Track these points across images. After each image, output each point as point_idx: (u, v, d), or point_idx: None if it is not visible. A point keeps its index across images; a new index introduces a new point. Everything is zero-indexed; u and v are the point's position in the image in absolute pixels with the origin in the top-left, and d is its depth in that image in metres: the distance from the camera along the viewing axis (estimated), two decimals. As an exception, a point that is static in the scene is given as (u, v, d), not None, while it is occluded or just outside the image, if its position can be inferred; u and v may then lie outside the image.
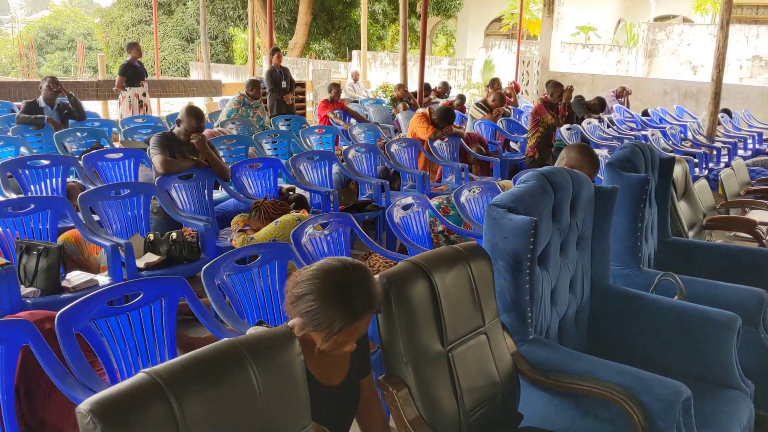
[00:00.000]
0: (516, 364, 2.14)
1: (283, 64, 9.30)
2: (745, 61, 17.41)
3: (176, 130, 4.56)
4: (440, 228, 4.36)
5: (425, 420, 1.80)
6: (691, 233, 4.17)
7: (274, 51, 9.19)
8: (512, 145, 8.62)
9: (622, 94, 11.56)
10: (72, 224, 3.73)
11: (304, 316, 1.63)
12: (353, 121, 8.82)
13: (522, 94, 13.09)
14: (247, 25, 18.00)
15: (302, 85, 12.08)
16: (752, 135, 9.68)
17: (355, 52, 21.51)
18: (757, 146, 9.45)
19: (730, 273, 3.32)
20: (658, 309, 2.66)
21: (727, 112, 10.20)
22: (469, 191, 4.37)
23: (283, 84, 8.92)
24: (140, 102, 9.11)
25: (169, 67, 26.70)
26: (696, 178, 5.21)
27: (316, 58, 23.56)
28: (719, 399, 2.38)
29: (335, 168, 5.63)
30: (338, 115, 8.85)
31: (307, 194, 5.06)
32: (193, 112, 4.53)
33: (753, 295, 2.86)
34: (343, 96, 13.28)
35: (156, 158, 4.38)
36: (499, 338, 2.11)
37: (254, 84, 7.76)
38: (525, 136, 7.90)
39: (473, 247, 2.13)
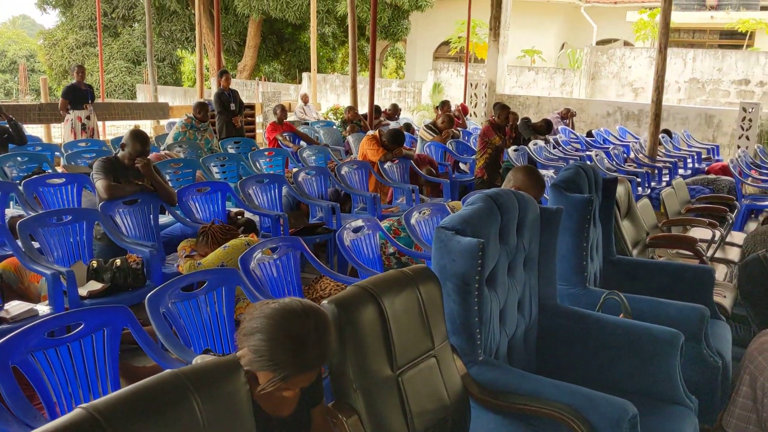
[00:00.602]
0: (466, 386, 2.14)
1: (232, 86, 9.23)
2: (683, 84, 18.05)
3: (120, 154, 4.47)
4: (391, 250, 4.37)
5: (375, 447, 1.78)
6: (635, 251, 4.27)
7: (223, 73, 9.12)
8: (462, 166, 8.71)
9: (566, 115, 11.84)
10: (11, 252, 3.61)
11: (252, 353, 1.58)
12: (303, 143, 8.80)
13: (470, 116, 13.27)
14: (195, 47, 17.86)
15: (251, 107, 12.01)
16: (691, 154, 10.01)
17: (305, 75, 21.55)
18: (696, 165, 9.77)
19: (672, 290, 3.41)
20: (604, 327, 2.70)
21: (667, 132, 10.53)
22: (419, 213, 4.39)
23: (232, 106, 8.85)
24: (83, 125, 8.91)
25: (115, 90, 26.26)
26: (639, 198, 5.35)
27: (265, 80, 23.49)
28: (665, 415, 2.42)
29: (285, 191, 5.59)
30: (288, 138, 8.81)
31: (256, 218, 5.01)
32: (137, 136, 4.45)
33: (695, 311, 2.94)
34: (293, 118, 13.29)
35: (99, 183, 4.28)
36: (448, 361, 2.11)
37: (202, 106, 7.68)
38: (474, 157, 8.00)
39: (422, 270, 2.13)
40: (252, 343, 1.58)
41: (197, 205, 4.81)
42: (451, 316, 2.25)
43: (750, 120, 11.22)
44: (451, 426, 2.03)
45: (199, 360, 1.78)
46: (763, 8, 20.70)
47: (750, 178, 7.91)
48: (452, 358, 2.15)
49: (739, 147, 10.62)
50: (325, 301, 1.84)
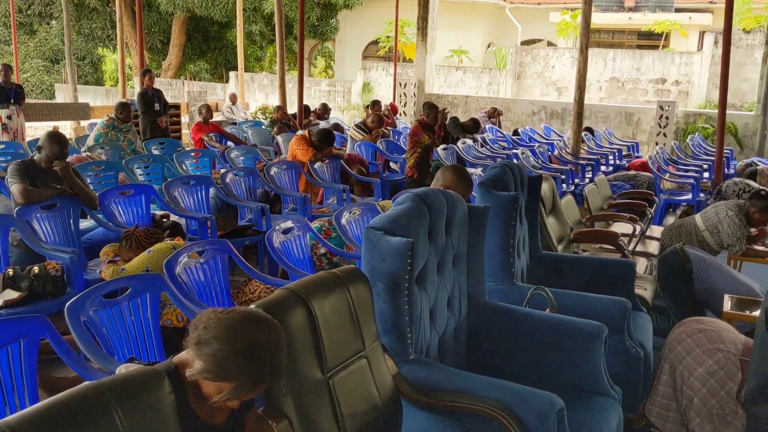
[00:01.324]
0: (397, 385, 2.15)
1: (156, 85, 9.00)
2: (605, 83, 18.68)
3: (37, 157, 4.29)
4: (323, 251, 4.34)
5: (307, 451, 1.76)
6: (560, 247, 4.38)
7: (146, 72, 8.88)
8: (392, 165, 8.76)
9: (493, 114, 12.06)
10: None
11: (207, 363, 1.54)
12: (231, 143, 8.65)
13: (400, 115, 13.36)
14: (117, 45, 17.32)
15: (177, 107, 11.74)
16: (613, 152, 10.36)
17: (232, 74, 21.24)
18: (617, 162, 10.11)
19: (596, 283, 3.51)
20: (531, 322, 2.76)
21: (589, 130, 10.86)
22: (350, 213, 4.38)
23: (156, 106, 8.62)
24: (4, 125, 8.50)
25: (32, 90, 25.20)
26: (563, 194, 5.50)
27: (191, 79, 23.00)
28: (591, 406, 2.49)
29: (212, 192, 5.48)
30: (214, 138, 8.65)
31: (182, 221, 4.89)
32: (55, 138, 4.28)
33: (617, 304, 3.03)
34: (221, 118, 13.06)
35: (15, 187, 4.09)
36: (379, 361, 2.11)
37: (124, 107, 7.45)
38: (404, 156, 8.05)
39: (352, 271, 2.12)
40: (207, 354, 1.55)
41: (120, 208, 4.66)
42: (381, 316, 2.25)
43: (667, 118, 11.70)
44: (382, 426, 2.03)
45: (123, 369, 1.72)
46: (678, 10, 21.62)
47: (667, 174, 8.24)
48: (383, 358, 2.14)
49: (657, 144, 11.05)
50: (252, 306, 1.80)
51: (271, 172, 5.97)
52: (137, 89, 10.17)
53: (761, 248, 5.01)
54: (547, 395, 2.09)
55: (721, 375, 2.97)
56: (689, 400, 3.01)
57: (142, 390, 1.41)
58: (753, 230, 5.20)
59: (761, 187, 6.62)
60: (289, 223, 3.92)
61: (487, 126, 11.13)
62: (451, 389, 2.15)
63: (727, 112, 9.26)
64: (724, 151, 8.90)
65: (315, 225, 4.47)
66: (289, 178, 6.22)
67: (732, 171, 9.46)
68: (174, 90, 19.56)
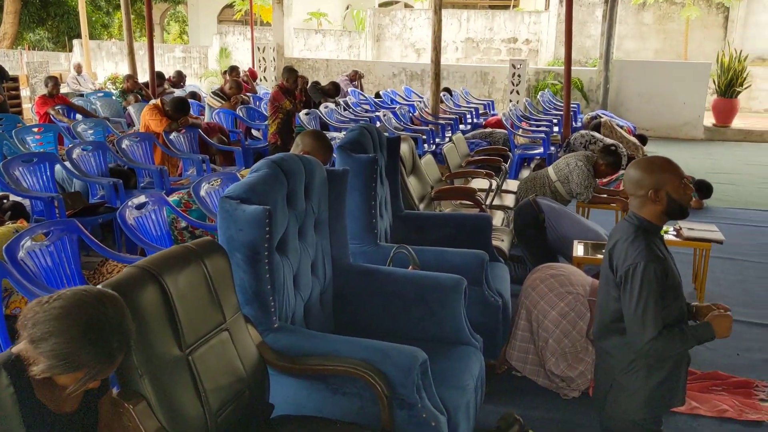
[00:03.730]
0: (262, 355, 2.12)
1: (-13, 56, 8.22)
2: (460, 43, 19.15)
3: None
4: (183, 225, 4.19)
5: (168, 429, 1.70)
6: (421, 206, 4.48)
7: (-26, 42, 8.09)
8: (254, 132, 8.57)
9: (355, 77, 12.07)
10: None
11: (50, 359, 1.44)
12: (79, 117, 8.10)
13: (260, 81, 13.06)
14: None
15: (15, 79, 10.84)
16: (470, 110, 10.69)
17: (76, 42, 19.84)
18: (475, 120, 10.45)
19: (456, 239, 3.63)
20: (394, 280, 2.81)
21: (448, 90, 11.13)
22: (209, 183, 4.25)
23: (-10, 79, 7.90)
24: None
25: None
26: (423, 154, 5.61)
27: (30, 49, 21.25)
28: (453, 356, 2.58)
29: (59, 170, 5.12)
30: (60, 112, 8.06)
31: (27, 202, 4.55)
32: None
33: (475, 257, 3.15)
34: (66, 90, 12.19)
35: None
36: (242, 332, 2.07)
37: (-49, 81, 6.77)
38: (266, 123, 7.89)
39: (207, 243, 2.05)
40: (47, 350, 1.44)
41: (-49, 192, 4.26)
42: (242, 286, 2.20)
43: (519, 76, 12.19)
44: (249, 397, 2.00)
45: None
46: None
47: (520, 130, 8.62)
48: (246, 328, 2.10)
49: (510, 101, 11.52)
50: (99, 285, 1.70)
51: (123, 145, 5.66)
52: (-35, 61, 9.25)
53: (605, 195, 5.37)
54: (411, 349, 2.14)
55: (572, 316, 3.19)
56: (545, 341, 3.21)
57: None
58: (599, 181, 5.57)
59: (612, 141, 7.08)
60: (142, 198, 3.74)
61: (349, 89, 11.12)
62: (317, 353, 2.16)
63: (573, 68, 9.79)
64: (571, 105, 9.43)
65: (173, 198, 4.30)
66: (143, 151, 5.93)
67: (579, 124, 10.06)
68: (11, 61, 17.98)
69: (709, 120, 13.01)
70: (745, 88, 12.90)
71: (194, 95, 9.82)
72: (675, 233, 4.38)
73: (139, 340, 1.72)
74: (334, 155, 3.37)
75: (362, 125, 3.51)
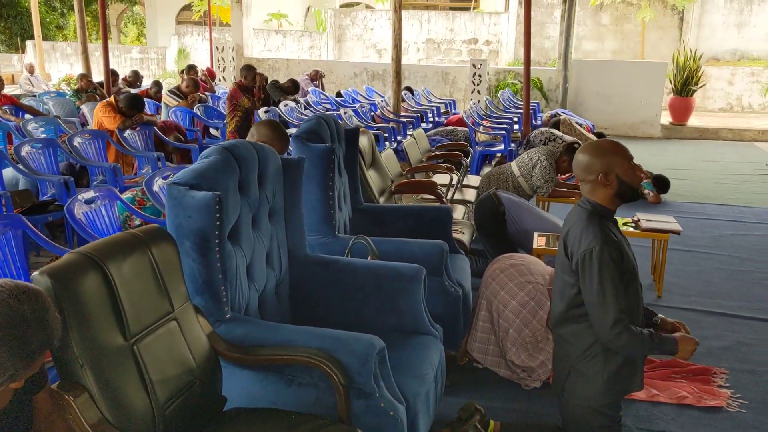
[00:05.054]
0: (213, 346, 2.04)
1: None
2: (421, 44, 19.20)
3: None
4: (138, 222, 4.07)
5: (111, 422, 1.62)
6: (381, 199, 4.43)
7: None
8: (212, 131, 8.43)
9: (315, 77, 11.98)
10: None
11: None
12: (29, 116, 7.86)
13: (219, 81, 12.88)
14: None
15: (-37, 79, 10.46)
16: (432, 109, 10.69)
17: (29, 43, 19.34)
18: (436, 119, 10.45)
19: (416, 231, 3.59)
20: (353, 271, 2.75)
21: (409, 89, 11.12)
22: (163, 179, 4.13)
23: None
24: None
25: None
26: (383, 149, 5.56)
27: (-19, 50, 20.67)
28: (413, 345, 2.53)
29: (9, 169, 4.95)
30: (9, 111, 7.82)
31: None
32: None
33: (435, 247, 3.11)
34: (19, 91, 11.86)
35: None
36: (192, 322, 1.99)
37: None
38: (224, 121, 7.77)
39: (154, 230, 1.97)
40: None
41: None
42: (192, 275, 2.12)
43: (480, 75, 12.25)
44: (199, 389, 1.92)
45: None
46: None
47: (481, 127, 8.64)
48: (196, 319, 2.02)
49: (471, 100, 11.56)
50: (36, 273, 1.62)
51: (75, 143, 5.50)
52: None
53: (564, 189, 5.39)
54: (368, 337, 2.09)
55: (532, 305, 3.17)
56: (505, 332, 3.18)
57: None
58: (559, 176, 5.60)
59: (574, 139, 7.12)
60: (91, 193, 3.61)
61: (309, 88, 11.03)
62: (271, 343, 2.09)
63: (533, 68, 9.87)
64: (531, 104, 9.49)
65: (126, 196, 4.18)
66: (96, 149, 5.76)
67: (539, 122, 10.13)
68: (-40, 62, 17.50)
69: (666, 118, 13.24)
70: (700, 87, 13.16)
71: (158, 84, 9.61)
72: (633, 225, 4.41)
73: (80, 328, 1.63)
74: (290, 148, 3.30)
75: (319, 115, 3.44)
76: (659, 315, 2.53)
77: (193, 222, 2.09)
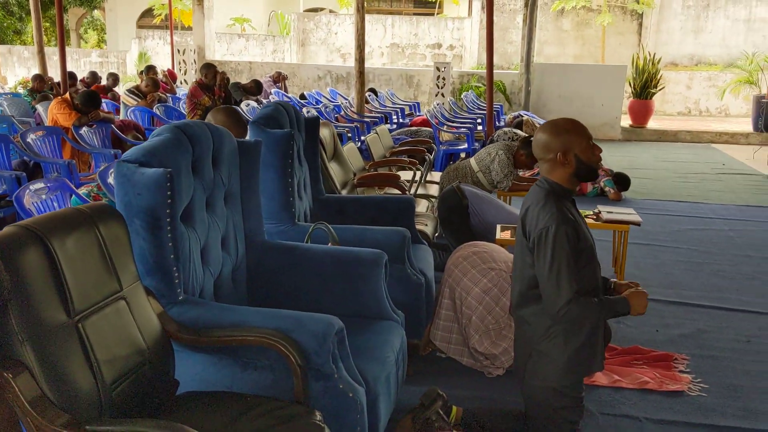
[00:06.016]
0: (165, 327, 1.97)
1: None
2: (386, 48, 19.22)
3: None
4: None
5: (54, 401, 1.53)
6: (344, 192, 4.38)
7: None
8: (173, 131, 8.27)
9: (278, 79, 11.89)
10: None
11: None
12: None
13: (181, 83, 12.71)
14: None
15: None
16: (396, 110, 10.68)
17: (-16, 46, 18.90)
18: (401, 120, 10.44)
19: (379, 220, 3.54)
20: (313, 256, 2.69)
21: (373, 91, 11.10)
22: (119, 172, 4.02)
23: None
24: None
25: None
26: (346, 143, 5.51)
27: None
28: (374, 330, 2.49)
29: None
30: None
31: None
32: None
33: (397, 233, 3.07)
34: (-29, 93, 11.49)
35: None
36: (142, 303, 1.91)
37: None
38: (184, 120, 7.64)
39: (101, 207, 1.89)
40: None
41: None
42: (142, 255, 2.04)
43: (443, 78, 12.30)
44: (150, 371, 1.85)
45: None
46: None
47: (445, 126, 8.65)
48: (146, 300, 1.95)
49: (436, 102, 11.58)
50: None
51: (28, 139, 5.34)
52: None
53: (525, 183, 5.40)
54: (326, 317, 2.04)
55: (495, 292, 3.14)
56: (468, 319, 3.15)
57: None
58: (521, 173, 5.62)
59: (531, 133, 7.17)
60: (41, 184, 3.49)
61: (272, 90, 10.94)
62: (225, 324, 2.02)
63: (496, 71, 9.93)
64: (495, 106, 9.56)
65: (82, 191, 4.05)
66: (51, 146, 5.62)
67: (503, 123, 10.19)
68: None
69: (626, 121, 13.43)
70: (660, 90, 13.39)
71: (113, 75, 9.42)
72: (595, 217, 4.43)
73: (20, 303, 1.55)
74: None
75: (278, 102, 3.38)
76: (611, 279, 2.53)
77: (143, 200, 2.02)
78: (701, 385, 3.15)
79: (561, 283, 2.16)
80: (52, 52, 14.30)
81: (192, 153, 2.27)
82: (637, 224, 4.39)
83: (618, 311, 2.27)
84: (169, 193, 2.04)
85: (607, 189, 7.20)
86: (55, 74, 10.26)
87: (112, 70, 17.70)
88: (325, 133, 4.26)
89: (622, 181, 7.26)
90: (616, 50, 17.37)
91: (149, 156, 2.09)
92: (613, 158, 10.02)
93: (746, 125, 13.65)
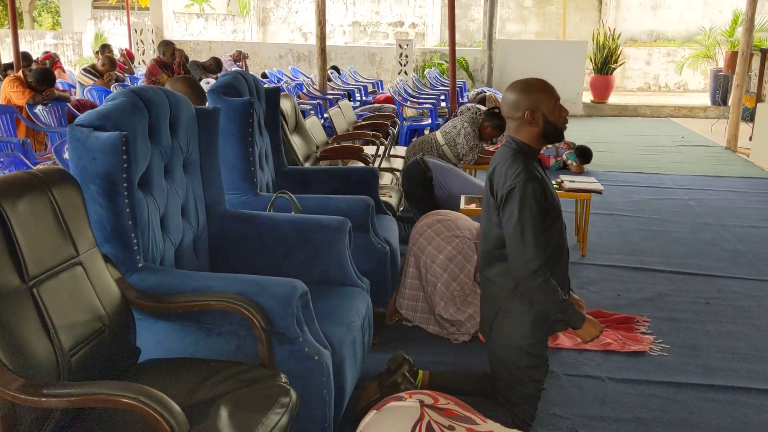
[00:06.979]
0: (124, 293, 1.93)
1: None
2: (348, 27, 19.05)
3: None
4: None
5: (9, 367, 1.49)
6: (306, 164, 4.34)
7: None
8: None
9: (239, 58, 11.71)
10: None
11: None
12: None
13: (139, 63, 12.45)
14: None
15: None
16: (359, 88, 10.62)
17: (-68, 28, 18.23)
18: (364, 98, 10.39)
19: (342, 191, 3.51)
20: (276, 225, 2.66)
21: (336, 69, 11.01)
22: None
23: None
24: None
25: None
26: (308, 117, 5.45)
27: None
28: (339, 295, 2.48)
29: None
30: None
31: None
32: None
33: (361, 202, 3.05)
34: None
35: None
36: (99, 269, 1.87)
37: None
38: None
39: (54, 172, 1.84)
40: None
41: None
42: (100, 222, 1.99)
43: (406, 56, 12.27)
44: (109, 338, 1.81)
45: None
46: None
47: (409, 102, 8.63)
48: (104, 266, 1.90)
49: (399, 79, 11.54)
50: None
51: (-20, 118, 5.18)
52: None
53: (489, 156, 5.42)
54: (289, 281, 2.02)
55: (459, 259, 3.15)
56: (433, 286, 3.16)
57: None
58: (487, 147, 5.63)
59: (496, 105, 7.18)
60: (-5, 157, 3.40)
61: (232, 69, 10.76)
62: (187, 290, 1.99)
63: (458, 48, 9.90)
64: (458, 83, 9.54)
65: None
66: (5, 125, 5.46)
67: (466, 100, 10.20)
68: None
69: (587, 97, 13.57)
70: (620, 65, 13.54)
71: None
72: (557, 186, 4.47)
73: (-31, 267, 1.50)
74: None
75: (237, 71, 3.33)
76: (574, 296, 2.58)
77: (98, 164, 1.97)
78: (662, 345, 3.22)
79: (526, 240, 2.17)
80: (5, 34, 13.85)
81: (148, 117, 2.22)
82: (599, 192, 4.44)
83: (570, 318, 2.26)
84: (125, 157, 1.99)
85: (569, 162, 7.27)
86: (8, 57, 9.94)
87: (68, 53, 17.30)
88: (286, 105, 4.21)
89: (584, 154, 7.34)
90: (577, 27, 17.48)
91: (104, 120, 2.03)
92: (575, 133, 10.11)
93: (704, 99, 13.92)
